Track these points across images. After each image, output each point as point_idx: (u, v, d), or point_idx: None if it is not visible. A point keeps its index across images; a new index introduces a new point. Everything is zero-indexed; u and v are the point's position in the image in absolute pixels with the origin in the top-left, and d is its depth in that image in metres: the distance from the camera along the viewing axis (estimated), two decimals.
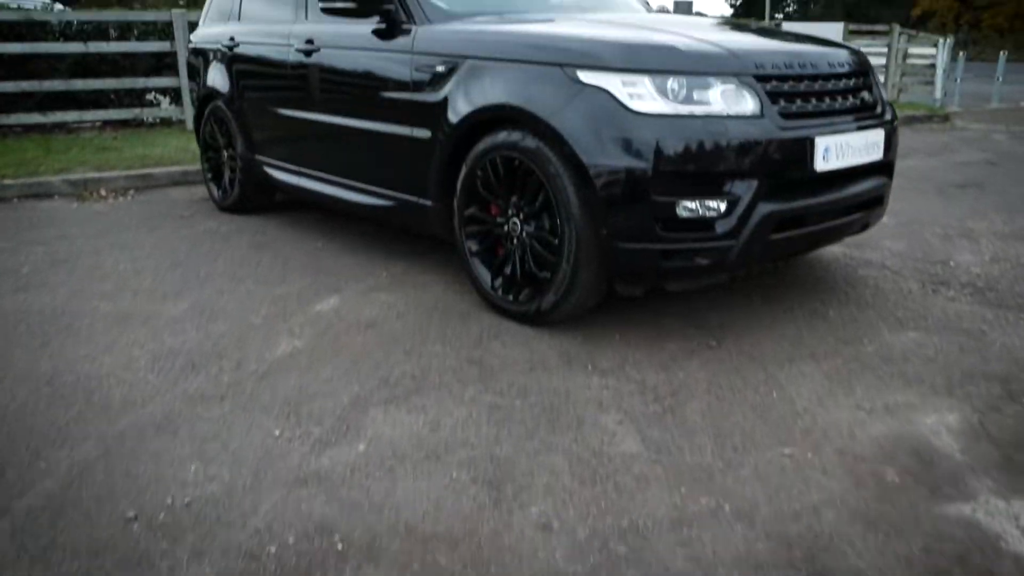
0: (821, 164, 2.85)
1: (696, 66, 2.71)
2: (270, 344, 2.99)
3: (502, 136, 2.98)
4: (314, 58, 3.95)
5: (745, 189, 2.70)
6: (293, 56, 4.11)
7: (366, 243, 4.36)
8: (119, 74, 7.87)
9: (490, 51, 3.06)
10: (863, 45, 13.21)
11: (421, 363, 2.80)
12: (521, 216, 3.04)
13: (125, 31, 7.88)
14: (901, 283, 3.69)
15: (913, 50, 14.97)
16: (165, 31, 7.89)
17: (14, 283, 3.74)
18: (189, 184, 6.21)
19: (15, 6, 8.31)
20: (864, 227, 3.37)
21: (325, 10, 3.52)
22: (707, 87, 2.70)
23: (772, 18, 34.59)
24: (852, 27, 12.98)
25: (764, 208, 2.74)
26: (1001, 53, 13.96)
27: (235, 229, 4.73)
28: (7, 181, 5.83)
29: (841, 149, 2.92)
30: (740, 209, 2.71)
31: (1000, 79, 13.43)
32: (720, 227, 2.72)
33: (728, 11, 47.84)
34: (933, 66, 13.53)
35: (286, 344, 2.99)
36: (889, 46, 12.95)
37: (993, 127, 10.53)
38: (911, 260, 4.06)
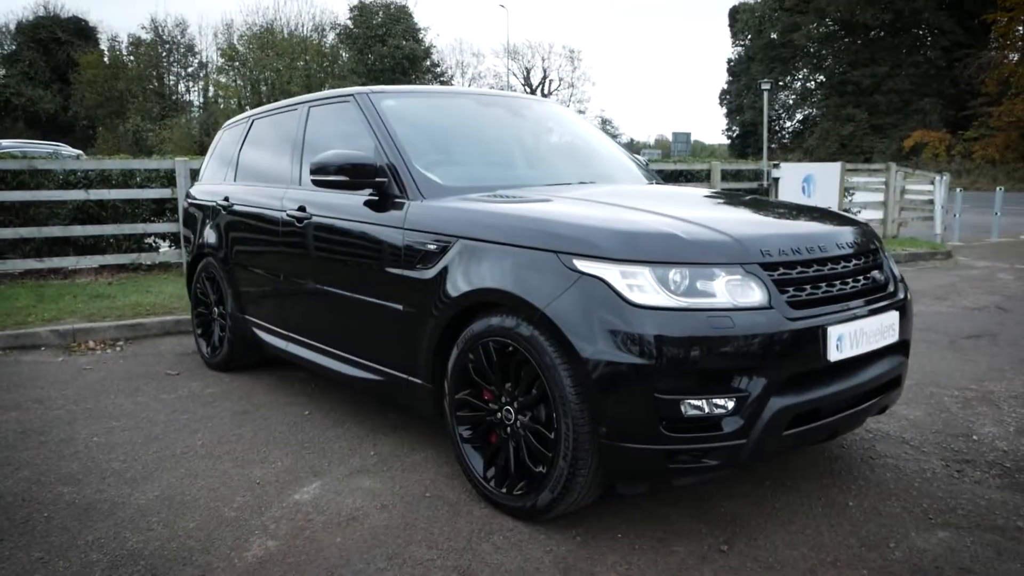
0: (835, 354, 2.68)
1: (699, 256, 2.59)
2: (241, 545, 2.73)
3: (496, 321, 2.83)
4: (305, 224, 3.88)
5: (755, 385, 2.52)
6: (285, 220, 4.05)
7: (355, 411, 4.15)
8: (120, 219, 7.92)
9: (484, 233, 2.95)
10: (860, 183, 13.45)
11: (404, 573, 2.53)
12: (515, 405, 2.84)
13: (128, 178, 7.98)
14: (923, 462, 3.44)
15: (911, 186, 15.22)
16: (168, 177, 8.00)
17: None
18: (181, 334, 6.07)
19: (19, 153, 8.47)
20: (882, 410, 3.17)
21: (317, 183, 3.46)
22: (711, 278, 2.56)
23: (769, 151, 35.64)
24: (849, 166, 13.21)
25: (776, 403, 2.55)
26: (998, 189, 14.15)
27: (220, 392, 4.54)
28: None
29: (855, 336, 2.76)
30: (750, 406, 2.52)
31: (999, 213, 13.57)
32: (728, 425, 2.52)
33: (726, 141, 49.48)
34: (932, 201, 13.71)
35: (259, 545, 2.73)
36: (886, 183, 13.14)
37: (996, 264, 10.50)
38: (931, 433, 3.82)
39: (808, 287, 2.73)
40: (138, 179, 7.98)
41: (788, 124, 48.43)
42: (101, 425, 3.99)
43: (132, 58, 45.30)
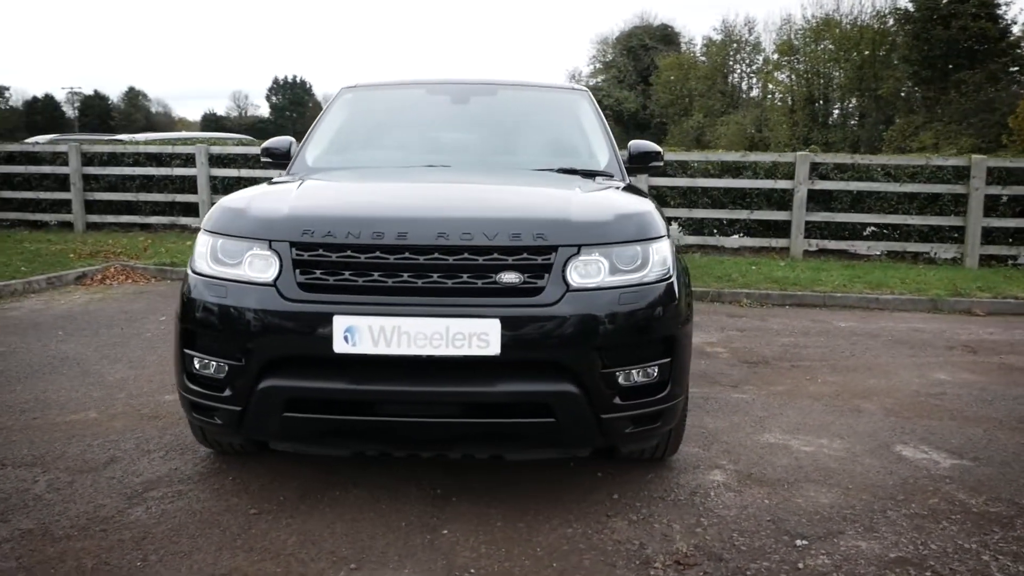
0: (342, 346, 2.51)
1: (242, 230, 2.73)
2: (78, 410, 3.87)
3: None
4: None
5: (246, 356, 2.61)
6: None
7: None
8: None
9: None
10: None
11: (99, 445, 3.36)
12: None
13: None
14: (655, 550, 2.68)
15: None
16: None
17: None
18: None
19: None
20: (504, 444, 2.72)
21: (262, 163, 4.30)
22: (242, 251, 2.69)
23: None
24: None
25: (269, 382, 2.58)
26: None
27: None
28: None
29: (387, 333, 2.50)
30: (242, 376, 2.62)
31: None
32: (227, 390, 2.66)
33: None
34: None
35: (83, 414, 3.83)
36: None
37: None
38: (782, 521, 2.83)
39: (347, 272, 2.59)
40: None
41: None
42: (150, 327, 5.55)
43: (704, 58, 48.86)
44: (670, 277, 2.78)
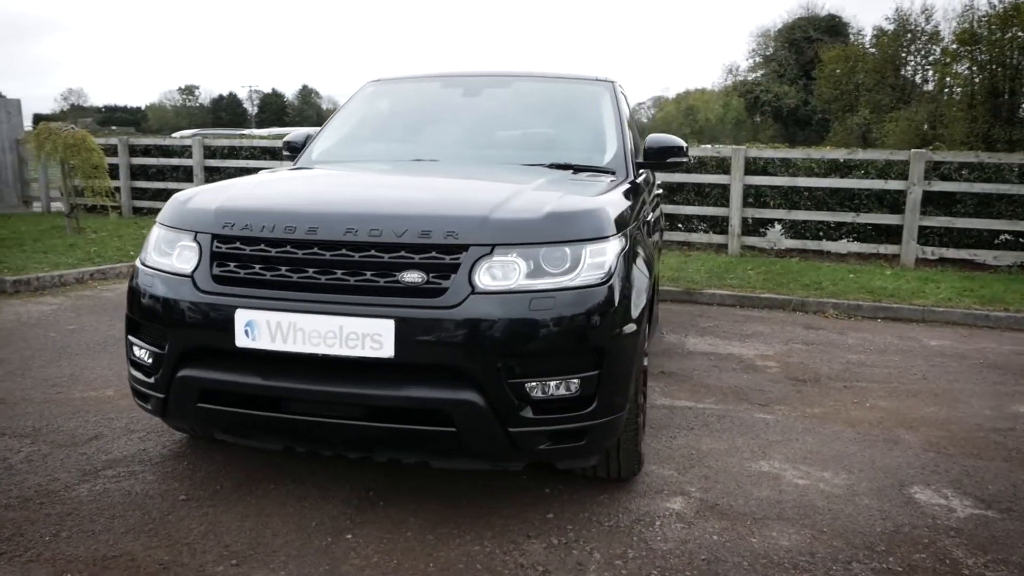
0: (243, 340, 2.49)
1: (177, 222, 2.79)
2: (96, 386, 4.13)
3: None
4: None
5: (167, 346, 2.65)
6: None
7: None
8: None
9: None
10: None
11: (84, 416, 3.56)
12: None
13: None
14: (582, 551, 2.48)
15: None
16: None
17: None
18: None
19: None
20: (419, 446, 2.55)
21: (284, 156, 4.40)
22: (175, 242, 2.75)
23: None
24: None
25: (184, 371, 2.61)
26: None
27: None
28: None
29: (284, 330, 2.46)
30: (164, 365, 2.66)
31: None
32: (154, 378, 2.72)
33: None
34: None
35: (84, 395, 4.08)
36: None
37: None
38: (719, 562, 2.54)
39: (258, 266, 2.57)
40: None
41: None
42: None
43: (874, 50, 45.43)
44: (606, 282, 2.55)
